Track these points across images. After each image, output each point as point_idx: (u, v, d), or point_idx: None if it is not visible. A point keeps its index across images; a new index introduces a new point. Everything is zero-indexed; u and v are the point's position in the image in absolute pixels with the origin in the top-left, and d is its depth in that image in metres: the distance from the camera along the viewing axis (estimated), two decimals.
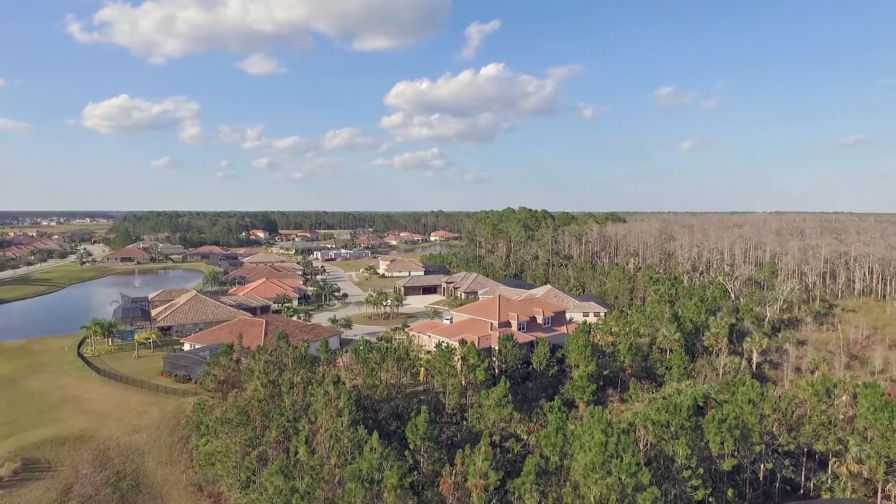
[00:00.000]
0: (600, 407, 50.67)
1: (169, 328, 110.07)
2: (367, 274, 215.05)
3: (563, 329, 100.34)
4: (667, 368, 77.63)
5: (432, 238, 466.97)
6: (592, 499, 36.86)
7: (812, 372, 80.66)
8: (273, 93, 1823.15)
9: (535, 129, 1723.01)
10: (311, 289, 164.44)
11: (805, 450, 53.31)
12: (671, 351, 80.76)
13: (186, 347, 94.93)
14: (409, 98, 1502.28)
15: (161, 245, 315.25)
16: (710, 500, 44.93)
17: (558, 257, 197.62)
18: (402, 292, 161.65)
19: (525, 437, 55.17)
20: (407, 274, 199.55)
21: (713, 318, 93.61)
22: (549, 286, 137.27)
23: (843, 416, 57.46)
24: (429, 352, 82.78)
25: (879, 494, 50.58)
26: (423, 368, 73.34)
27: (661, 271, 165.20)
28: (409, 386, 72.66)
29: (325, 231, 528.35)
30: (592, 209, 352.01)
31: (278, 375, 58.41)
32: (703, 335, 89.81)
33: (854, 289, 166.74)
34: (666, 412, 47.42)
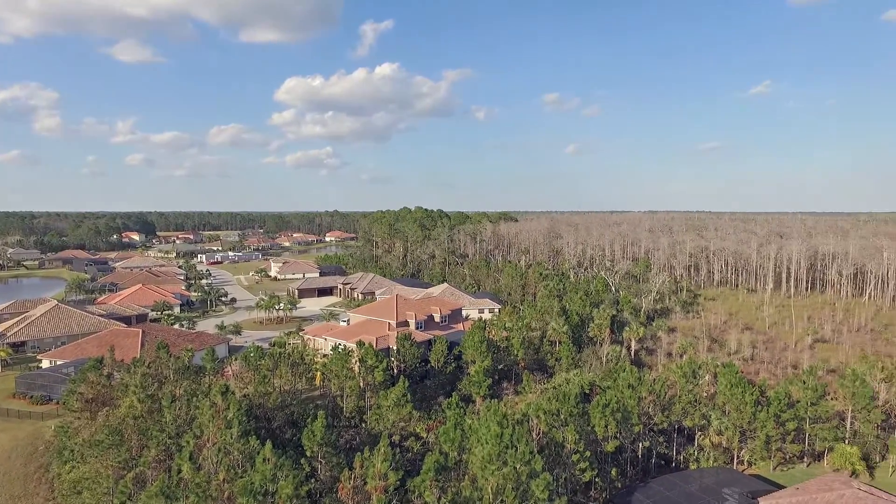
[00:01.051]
0: (496, 400, 52.28)
1: (23, 344, 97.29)
2: (257, 277, 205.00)
3: (460, 326, 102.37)
4: (556, 360, 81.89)
5: (328, 239, 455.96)
6: (490, 490, 37.86)
7: (681, 356, 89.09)
8: (148, 84, 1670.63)
9: (431, 130, 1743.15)
10: (196, 294, 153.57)
11: (676, 426, 58.77)
12: (560, 343, 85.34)
13: (45, 364, 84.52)
14: (301, 95, 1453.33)
15: (11, 250, 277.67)
16: (597, 480, 48.03)
17: (454, 256, 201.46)
18: (296, 295, 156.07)
19: (425, 435, 55.48)
20: (301, 276, 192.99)
21: (597, 310, 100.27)
22: (445, 285, 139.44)
23: (706, 394, 64.13)
24: (325, 355, 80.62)
25: (735, 460, 57.10)
26: (319, 372, 71.24)
27: (550, 268, 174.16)
28: (304, 391, 70.20)
29: (211, 233, 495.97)
30: (486, 209, 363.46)
31: (158, 389, 53.77)
32: (588, 327, 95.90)
33: (714, 279, 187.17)
34: (556, 401, 49.95)
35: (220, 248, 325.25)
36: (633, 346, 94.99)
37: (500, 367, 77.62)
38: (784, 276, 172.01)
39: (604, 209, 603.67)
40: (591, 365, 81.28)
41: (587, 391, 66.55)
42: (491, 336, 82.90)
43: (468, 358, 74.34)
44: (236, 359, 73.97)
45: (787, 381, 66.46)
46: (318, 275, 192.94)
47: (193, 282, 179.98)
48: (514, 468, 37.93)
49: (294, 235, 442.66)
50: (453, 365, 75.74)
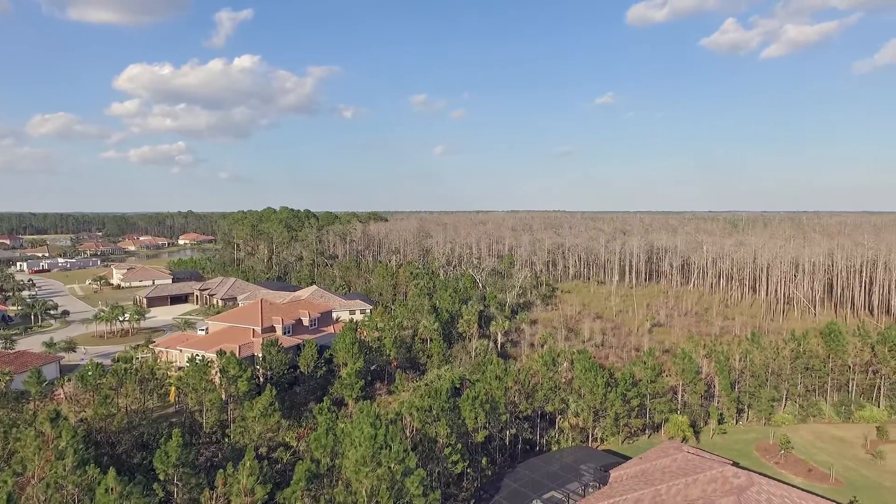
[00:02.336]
0: (369, 401, 51.62)
1: None
2: (95, 286, 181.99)
3: (331, 329, 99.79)
4: (428, 357, 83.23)
5: (181, 242, 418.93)
6: (364, 492, 37.25)
7: (542, 346, 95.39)
8: None
9: (295, 127, 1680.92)
10: (15, 308, 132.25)
11: (539, 412, 62.70)
12: (431, 340, 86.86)
13: None
14: (146, 83, 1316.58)
15: None
16: (468, 470, 49.55)
17: (323, 257, 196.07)
18: (145, 304, 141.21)
19: (295, 444, 53.13)
20: (150, 283, 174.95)
21: (465, 306, 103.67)
22: (314, 287, 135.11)
23: (564, 380, 69.26)
24: (180, 368, 73.85)
25: (590, 438, 62.40)
26: (173, 387, 65.09)
27: (420, 266, 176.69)
28: (156, 409, 63.75)
29: (35, 237, 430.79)
30: (356, 209, 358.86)
31: None
32: (457, 323, 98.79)
33: (569, 273, 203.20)
34: (429, 397, 50.64)
35: (47, 255, 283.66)
36: (500, 339, 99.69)
37: (372, 367, 76.95)
38: (627, 268, 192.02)
39: (471, 209, 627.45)
40: (461, 360, 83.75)
41: (458, 385, 68.44)
42: (363, 337, 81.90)
43: (340, 360, 72.66)
44: (69, 379, 64.89)
45: (631, 362, 74.14)
46: (170, 281, 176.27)
47: (11, 293, 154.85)
48: (389, 468, 37.73)
49: (141, 239, 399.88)
50: (324, 369, 73.57)
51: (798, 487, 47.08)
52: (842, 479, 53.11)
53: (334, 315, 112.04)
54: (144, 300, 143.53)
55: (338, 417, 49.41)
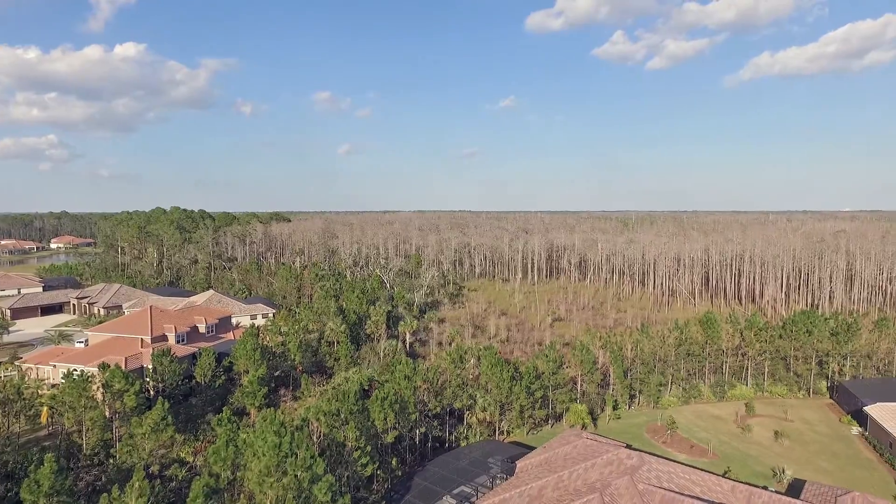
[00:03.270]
0: (273, 409, 49.47)
1: None
2: None
3: (230, 335, 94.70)
4: (335, 360, 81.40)
5: (54, 245, 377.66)
6: (269, 503, 35.64)
7: (450, 344, 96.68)
8: None
9: (189, 122, 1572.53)
10: None
11: (448, 409, 63.46)
12: (338, 342, 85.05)
13: None
14: (6, 68, 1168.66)
15: None
16: (379, 472, 49.03)
17: (221, 260, 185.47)
18: (9, 316, 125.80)
19: (192, 459, 49.74)
20: (16, 292, 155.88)
21: (373, 307, 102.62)
22: (211, 292, 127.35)
23: (472, 376, 70.64)
24: (54, 385, 66.53)
25: (497, 431, 64.14)
26: (46, 408, 58.50)
27: (326, 268, 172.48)
28: (25, 434, 57.04)
29: None
30: (257, 209, 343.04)
31: None
32: (365, 324, 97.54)
33: (475, 272, 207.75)
34: (336, 401, 49.50)
35: None
36: (408, 338, 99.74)
37: (276, 374, 73.95)
38: (529, 266, 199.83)
39: (378, 209, 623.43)
40: (369, 361, 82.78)
41: (366, 387, 67.59)
42: (265, 342, 78.48)
43: (240, 368, 69.08)
44: None
45: (534, 356, 77.16)
46: (41, 290, 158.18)
47: None
48: (295, 476, 36.36)
49: (3, 242, 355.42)
50: (223, 378, 69.58)
51: (682, 463, 51.43)
52: (718, 453, 58.73)
53: (234, 321, 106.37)
54: (8, 311, 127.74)
55: (239, 428, 46.89)
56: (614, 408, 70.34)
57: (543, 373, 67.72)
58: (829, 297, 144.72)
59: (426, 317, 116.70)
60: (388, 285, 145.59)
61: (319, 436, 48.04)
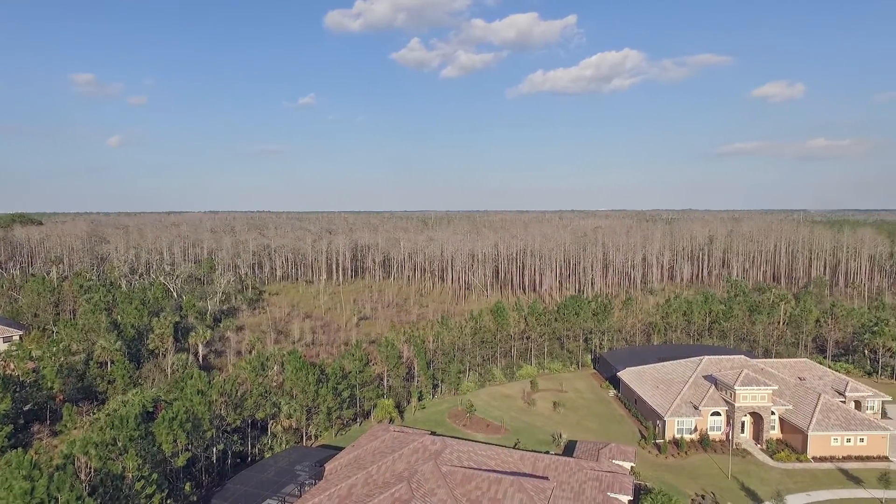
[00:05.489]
0: (21, 450, 40.69)
1: None
2: None
3: None
4: (109, 382, 70.48)
5: None
6: None
7: (250, 352, 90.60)
8: None
9: None
10: None
11: (249, 421, 59.38)
12: (113, 362, 73.69)
13: None
14: None
15: None
16: (168, 501, 43.72)
17: None
18: None
19: None
20: None
21: (157, 319, 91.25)
22: None
23: (275, 383, 67.24)
24: None
25: (305, 437, 62.12)
26: None
27: (94, 277, 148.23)
28: None
29: None
30: None
31: None
32: (147, 339, 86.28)
33: (276, 275, 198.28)
34: (111, 429, 42.78)
35: None
36: (202, 350, 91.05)
37: (26, 407, 61.12)
38: (334, 266, 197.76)
39: (160, 209, 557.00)
40: (154, 380, 73.51)
41: (151, 409, 59.81)
42: (10, 371, 64.38)
43: None
44: None
45: (341, 356, 76.53)
46: None
47: None
48: None
49: None
50: None
51: (480, 441, 55.92)
52: (509, 428, 65.21)
53: None
54: None
55: None
56: (419, 399, 73.34)
57: (350, 372, 67.55)
58: (592, 282, 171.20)
59: (222, 325, 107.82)
60: (175, 294, 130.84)
61: (89, 472, 40.95)
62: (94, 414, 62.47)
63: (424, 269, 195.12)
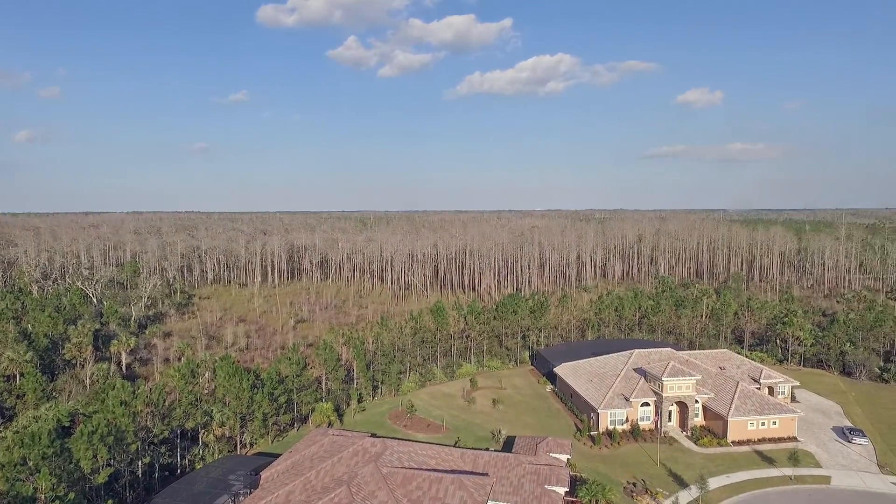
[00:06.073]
0: None
1: None
2: None
3: None
4: (18, 397, 65.11)
5: None
6: None
7: (179, 359, 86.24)
8: None
9: None
10: None
11: (179, 431, 56.47)
12: (23, 375, 68.08)
13: None
14: None
15: None
16: None
17: None
18: None
19: None
20: None
21: (74, 327, 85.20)
22: None
23: (207, 391, 64.35)
24: None
25: (239, 445, 59.82)
26: None
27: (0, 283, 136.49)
28: None
29: None
30: None
31: None
32: (63, 348, 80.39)
33: (207, 278, 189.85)
34: (20, 447, 39.50)
35: None
36: (125, 359, 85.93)
37: None
38: (269, 268, 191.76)
39: (76, 210, 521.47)
40: (70, 392, 68.59)
41: (67, 423, 55.68)
42: None
43: None
44: None
45: (277, 361, 74.25)
46: None
47: None
48: None
49: None
50: None
51: (421, 441, 55.82)
52: (450, 427, 65.50)
53: None
54: None
55: None
56: (359, 401, 72.33)
57: (287, 376, 65.70)
58: (529, 281, 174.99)
59: (148, 332, 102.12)
60: (94, 300, 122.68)
61: None
62: (0, 432, 57.43)
63: (364, 270, 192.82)
